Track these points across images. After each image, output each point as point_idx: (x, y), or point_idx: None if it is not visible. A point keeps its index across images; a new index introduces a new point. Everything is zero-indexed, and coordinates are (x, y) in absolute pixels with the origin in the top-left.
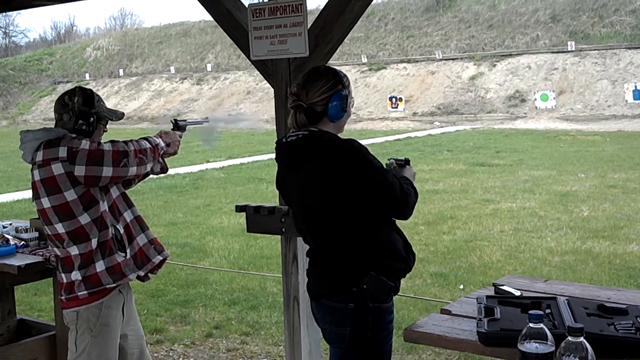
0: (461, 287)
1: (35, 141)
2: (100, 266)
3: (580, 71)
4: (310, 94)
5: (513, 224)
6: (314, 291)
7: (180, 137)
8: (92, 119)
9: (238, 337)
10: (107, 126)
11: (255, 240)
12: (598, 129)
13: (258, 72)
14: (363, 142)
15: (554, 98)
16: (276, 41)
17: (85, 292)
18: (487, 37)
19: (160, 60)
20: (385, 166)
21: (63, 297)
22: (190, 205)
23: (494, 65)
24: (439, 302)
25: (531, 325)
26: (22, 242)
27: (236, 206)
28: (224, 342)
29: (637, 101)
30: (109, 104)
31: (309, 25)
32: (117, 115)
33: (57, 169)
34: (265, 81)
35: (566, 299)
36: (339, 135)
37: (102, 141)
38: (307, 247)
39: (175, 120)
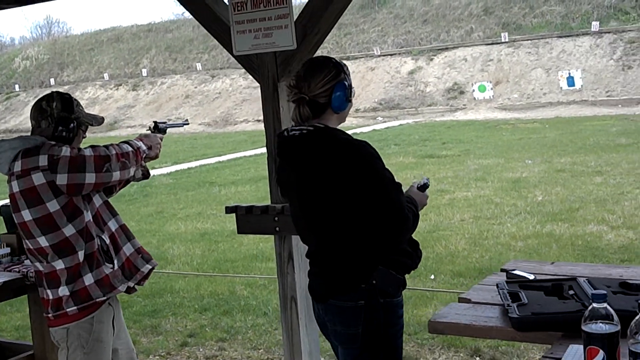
0: (432, 277)
1: (12, 150)
2: (88, 279)
3: (515, 61)
4: (312, 85)
5: (472, 212)
6: (318, 292)
7: (161, 139)
8: (72, 124)
9: (215, 343)
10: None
11: (217, 244)
12: (536, 116)
13: (197, 76)
14: None
15: (491, 89)
16: (260, 35)
17: (75, 307)
18: (422, 32)
19: (93, 67)
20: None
21: (50, 315)
22: (142, 213)
23: (432, 59)
24: (414, 292)
25: (595, 305)
26: None
27: (226, 207)
28: (201, 349)
29: (571, 88)
30: None
31: (295, 17)
32: (97, 120)
33: (38, 178)
34: (204, 84)
35: (586, 279)
36: (343, 130)
37: (81, 147)
38: (303, 245)
39: (156, 122)
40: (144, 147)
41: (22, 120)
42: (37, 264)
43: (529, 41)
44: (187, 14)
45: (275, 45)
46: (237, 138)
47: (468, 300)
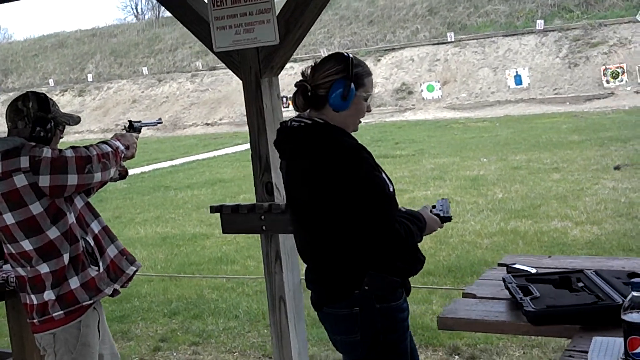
0: None
1: None
2: (74, 283)
3: (462, 61)
4: (316, 75)
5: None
6: (314, 300)
7: (137, 138)
8: (49, 124)
9: (188, 347)
10: None
11: (179, 248)
12: (485, 115)
13: (143, 80)
14: None
15: (440, 88)
16: (242, 30)
17: (61, 312)
18: (368, 33)
19: (38, 73)
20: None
21: (35, 320)
22: None
23: (379, 60)
24: None
25: (634, 294)
26: None
27: (210, 207)
28: (175, 354)
29: (519, 86)
30: None
31: (277, 11)
32: (74, 120)
33: (20, 180)
34: (151, 88)
35: (593, 271)
36: (343, 130)
37: (61, 148)
38: (291, 244)
39: (130, 121)
40: (122, 147)
41: None
42: (19, 269)
43: (475, 40)
44: (131, 19)
45: (257, 40)
46: (187, 142)
47: (473, 296)
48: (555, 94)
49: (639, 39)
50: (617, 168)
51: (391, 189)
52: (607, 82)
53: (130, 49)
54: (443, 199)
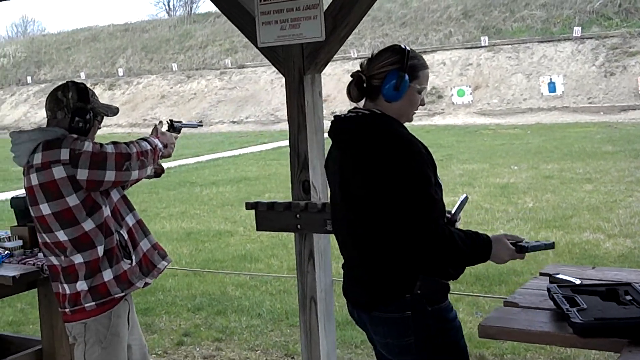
0: None
1: (31, 142)
2: (107, 275)
3: (495, 66)
4: (372, 65)
5: (463, 218)
6: (360, 301)
7: (176, 138)
8: (88, 115)
9: (211, 343)
10: None
11: (203, 244)
12: (516, 122)
13: (173, 76)
14: (285, 142)
15: (471, 93)
16: (287, 26)
17: (93, 303)
18: (400, 35)
19: (70, 66)
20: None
21: (67, 310)
22: None
23: None
24: None
25: None
26: (7, 252)
27: (246, 203)
28: (198, 349)
29: (552, 94)
30: (19, 112)
31: (324, 7)
32: (112, 110)
33: (59, 172)
34: (180, 84)
35: None
36: (400, 123)
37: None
38: (324, 243)
39: (171, 121)
40: (161, 146)
41: None
42: (53, 258)
43: (509, 46)
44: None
45: (303, 36)
46: (213, 139)
47: (515, 305)
48: (590, 103)
49: None
50: None
51: (438, 193)
52: None
53: (161, 45)
54: (464, 196)
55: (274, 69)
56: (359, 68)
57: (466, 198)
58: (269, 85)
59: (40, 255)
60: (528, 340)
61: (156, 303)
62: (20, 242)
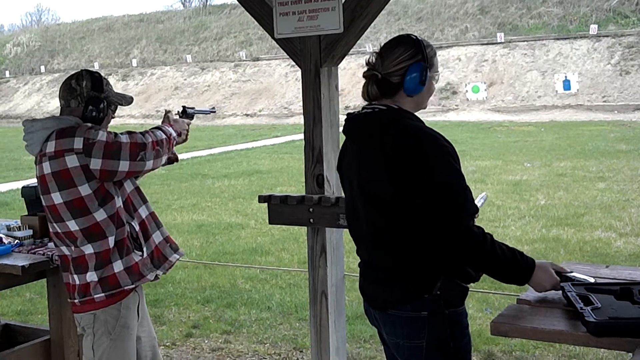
0: None
1: (45, 130)
2: (118, 266)
3: (510, 62)
4: (386, 62)
5: None
6: (376, 299)
7: (189, 124)
8: (102, 104)
9: (220, 336)
10: None
11: (214, 236)
12: (530, 119)
13: (186, 68)
14: (298, 136)
15: (485, 90)
16: (305, 17)
17: (103, 294)
18: (416, 30)
19: (84, 56)
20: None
21: (76, 300)
22: None
23: None
24: None
25: None
26: (17, 241)
27: (259, 196)
28: (206, 341)
29: (567, 91)
30: (32, 101)
31: None
32: (127, 100)
33: (72, 161)
34: (194, 76)
35: None
36: (417, 117)
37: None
38: (336, 238)
39: (184, 107)
40: (175, 134)
41: (11, 107)
42: (64, 248)
43: (525, 42)
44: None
45: (321, 28)
46: (226, 131)
47: (528, 302)
48: (604, 101)
49: None
50: None
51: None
52: None
53: (176, 36)
54: (484, 194)
55: (288, 62)
56: (369, 66)
57: (486, 197)
58: (283, 79)
59: (50, 245)
60: (540, 338)
61: (166, 295)
62: (30, 232)
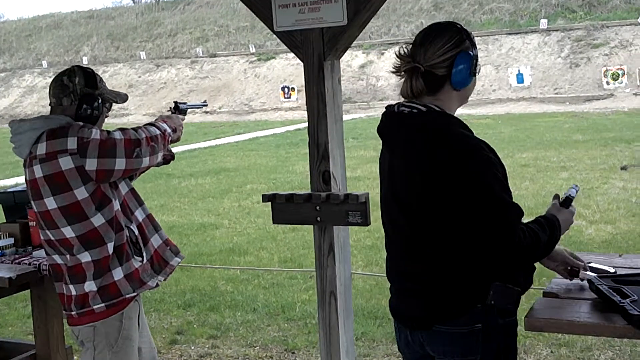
0: None
1: (34, 131)
2: (118, 274)
3: None
4: (429, 53)
5: None
6: (417, 316)
7: (182, 120)
8: (96, 102)
9: (206, 341)
10: None
11: (188, 237)
12: (487, 112)
13: (141, 65)
14: (261, 133)
15: None
16: (306, 9)
17: (103, 304)
18: (373, 26)
19: (31, 54)
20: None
21: (73, 312)
22: None
23: (382, 54)
24: None
25: None
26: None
27: (263, 196)
28: (193, 347)
29: (520, 85)
30: None
31: None
32: (122, 97)
33: (66, 163)
34: (149, 73)
35: None
36: (461, 121)
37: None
38: (344, 235)
39: (176, 102)
40: (169, 130)
41: None
42: (56, 257)
43: (479, 37)
44: (128, 1)
45: (323, 20)
46: (186, 129)
47: (555, 296)
48: (556, 93)
49: None
50: (623, 168)
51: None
52: (607, 83)
53: (128, 33)
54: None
55: (247, 58)
56: (408, 58)
57: (578, 188)
58: (242, 75)
59: (35, 253)
60: (576, 331)
61: (144, 301)
62: (11, 240)
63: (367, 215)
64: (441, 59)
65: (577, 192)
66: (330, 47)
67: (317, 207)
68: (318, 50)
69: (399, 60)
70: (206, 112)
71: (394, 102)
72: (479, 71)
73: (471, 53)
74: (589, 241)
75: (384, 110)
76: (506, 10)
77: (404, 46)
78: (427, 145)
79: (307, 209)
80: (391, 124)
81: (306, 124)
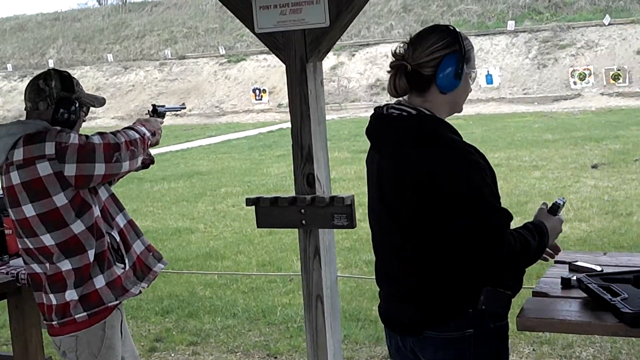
0: None
1: (10, 137)
2: (99, 282)
3: None
4: (418, 51)
5: None
6: (407, 321)
7: (161, 123)
8: (73, 106)
9: (186, 348)
10: None
11: (162, 242)
12: (458, 113)
13: (108, 67)
14: (233, 135)
15: None
16: (288, 10)
17: (84, 314)
18: None
19: None
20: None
21: (54, 322)
22: None
23: (353, 55)
24: None
25: None
26: None
27: (247, 199)
28: (173, 355)
29: (489, 85)
30: None
31: None
32: (99, 101)
33: (44, 168)
34: (117, 76)
35: None
36: (452, 126)
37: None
38: (330, 239)
39: (154, 106)
40: (149, 134)
41: None
42: (35, 266)
43: None
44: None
45: (305, 22)
46: None
47: (545, 295)
48: (524, 94)
49: (606, 42)
50: (594, 167)
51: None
52: (575, 83)
53: (95, 35)
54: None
55: (216, 60)
56: (398, 56)
57: (564, 201)
58: (212, 77)
59: (12, 262)
60: (569, 330)
61: None
62: None
63: (352, 218)
64: (428, 58)
65: (563, 203)
66: (313, 49)
67: (302, 210)
68: (300, 52)
69: (392, 57)
70: (176, 115)
71: (382, 104)
72: (474, 78)
73: (458, 55)
74: (565, 239)
75: (373, 112)
76: (474, 12)
77: (400, 45)
78: (417, 147)
79: (291, 212)
80: (380, 125)
81: (279, 126)
